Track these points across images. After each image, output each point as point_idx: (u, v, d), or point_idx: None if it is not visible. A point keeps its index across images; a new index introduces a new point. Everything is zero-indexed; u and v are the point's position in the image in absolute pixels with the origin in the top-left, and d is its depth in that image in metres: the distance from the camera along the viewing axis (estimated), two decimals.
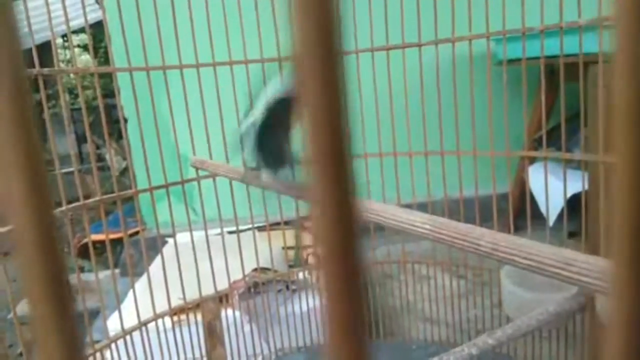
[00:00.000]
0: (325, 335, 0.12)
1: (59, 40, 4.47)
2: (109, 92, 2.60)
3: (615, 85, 0.11)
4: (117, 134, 3.31)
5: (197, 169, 1.00)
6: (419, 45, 1.02)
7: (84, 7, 0.93)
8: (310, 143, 0.11)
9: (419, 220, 0.55)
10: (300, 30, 0.10)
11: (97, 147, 4.03)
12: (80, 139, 4.32)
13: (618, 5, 0.10)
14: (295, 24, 0.10)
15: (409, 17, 1.00)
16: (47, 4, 0.86)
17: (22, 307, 1.76)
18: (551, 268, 0.43)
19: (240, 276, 1.11)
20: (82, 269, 2.26)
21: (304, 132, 0.11)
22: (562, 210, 0.98)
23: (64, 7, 0.88)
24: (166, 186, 1.00)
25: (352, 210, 0.11)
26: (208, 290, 1.07)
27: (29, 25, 0.88)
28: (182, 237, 1.13)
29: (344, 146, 0.11)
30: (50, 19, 0.87)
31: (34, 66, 0.81)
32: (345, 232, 0.11)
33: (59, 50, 4.64)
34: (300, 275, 1.24)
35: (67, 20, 0.89)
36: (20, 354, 1.70)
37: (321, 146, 0.11)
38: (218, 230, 1.06)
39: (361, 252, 0.12)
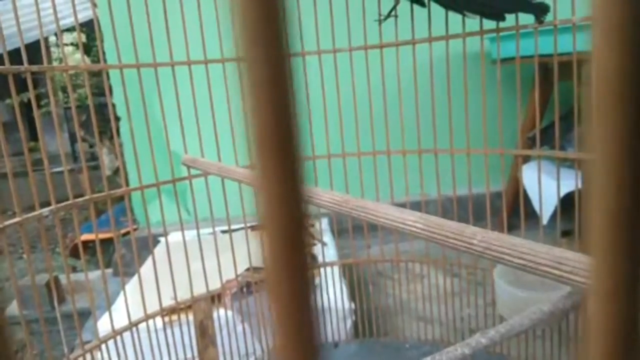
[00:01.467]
0: (274, 338, 0.12)
1: (52, 39, 4.44)
2: (102, 91, 2.59)
3: (592, 83, 0.11)
4: (110, 133, 3.29)
5: (188, 167, 0.99)
6: (413, 43, 1.01)
7: (74, 5, 0.92)
8: (257, 145, 0.11)
9: (411, 219, 0.54)
10: (244, 30, 0.10)
11: (91, 146, 4.01)
12: (74, 138, 4.30)
13: (595, 6, 0.10)
14: (239, 24, 0.10)
15: (402, 15, 0.99)
16: (36, 1, 0.85)
17: (12, 308, 1.74)
18: (543, 267, 0.43)
19: (232, 276, 1.11)
20: (74, 269, 2.25)
21: (251, 132, 0.11)
22: (555, 209, 0.98)
23: (54, 5, 0.87)
24: (157, 185, 0.99)
25: (299, 213, 0.11)
26: (200, 290, 1.06)
27: (18, 24, 0.86)
28: (174, 237, 1.12)
29: (292, 149, 0.11)
30: (39, 17, 0.85)
31: (23, 64, 0.80)
32: (291, 237, 0.11)
33: (53, 49, 4.61)
34: None
35: (56, 19, 0.87)
36: (15, 352, 1.69)
37: (268, 149, 0.10)
38: (210, 230, 1.05)
39: (307, 254, 0.12)
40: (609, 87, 0.11)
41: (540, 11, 0.84)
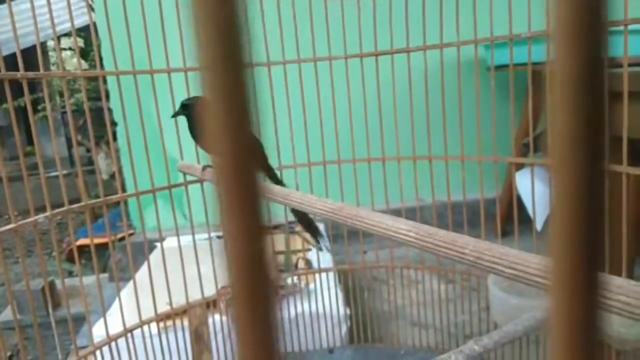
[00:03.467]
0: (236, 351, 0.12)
1: (51, 43, 4.43)
2: (100, 95, 2.58)
3: (553, 93, 0.11)
4: (107, 137, 3.28)
5: (184, 173, 0.99)
6: (408, 51, 1.02)
7: (70, 10, 0.92)
8: (217, 154, 0.11)
9: (404, 228, 0.55)
10: (204, 42, 0.10)
11: (88, 150, 4.00)
12: (71, 142, 4.30)
13: (556, 19, 0.11)
14: (199, 36, 0.10)
15: (397, 23, 1.00)
16: (32, 7, 0.85)
17: (7, 313, 1.74)
18: (535, 277, 0.43)
19: (228, 281, 1.10)
20: (70, 274, 2.24)
21: (214, 142, 0.11)
22: (549, 216, 0.98)
23: (50, 11, 0.87)
24: (153, 191, 0.99)
25: (257, 223, 0.11)
26: (195, 295, 1.06)
27: (14, 29, 0.87)
28: (170, 242, 1.12)
29: (248, 160, 0.11)
30: (36, 22, 0.86)
31: (18, 70, 0.81)
32: (252, 241, 0.12)
33: (51, 53, 4.61)
34: (290, 280, 1.23)
35: (52, 24, 0.88)
36: (10, 357, 1.69)
37: (227, 159, 0.11)
38: (206, 235, 1.05)
39: (270, 268, 0.12)
40: (565, 92, 0.11)
41: None
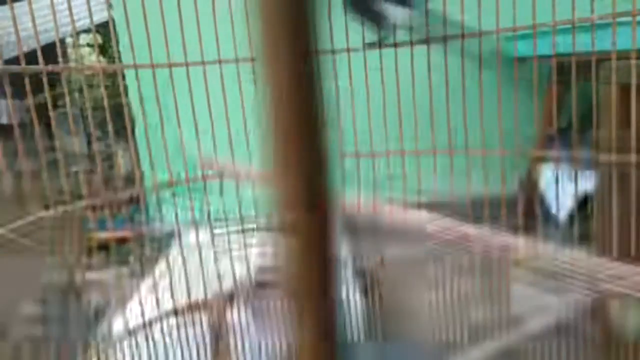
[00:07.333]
0: (293, 335, 0.11)
1: (69, 40, 4.49)
2: (118, 92, 2.60)
3: None
4: (126, 133, 3.31)
5: (202, 168, 0.99)
6: (427, 42, 1.00)
7: (89, 6, 0.93)
8: (280, 143, 0.10)
9: (426, 221, 0.54)
10: (267, 30, 0.10)
11: (107, 146, 4.04)
12: (91, 138, 4.35)
13: None
14: (262, 25, 0.10)
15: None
16: (52, 3, 0.85)
17: (28, 305, 1.77)
18: (565, 272, 0.42)
19: (246, 275, 1.10)
20: (90, 268, 2.27)
21: (274, 131, 0.10)
22: (571, 211, 0.96)
23: (70, 7, 0.87)
24: (171, 184, 1.00)
25: (325, 213, 0.11)
26: (214, 289, 1.06)
27: (34, 25, 0.87)
28: (189, 237, 1.13)
29: (317, 148, 0.10)
30: (55, 18, 0.86)
31: (38, 64, 0.81)
32: (316, 237, 0.11)
33: (70, 50, 4.67)
34: None
35: (72, 20, 0.88)
36: (31, 349, 1.71)
37: (292, 147, 0.10)
38: (224, 230, 1.05)
39: (331, 253, 0.11)
40: None
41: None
